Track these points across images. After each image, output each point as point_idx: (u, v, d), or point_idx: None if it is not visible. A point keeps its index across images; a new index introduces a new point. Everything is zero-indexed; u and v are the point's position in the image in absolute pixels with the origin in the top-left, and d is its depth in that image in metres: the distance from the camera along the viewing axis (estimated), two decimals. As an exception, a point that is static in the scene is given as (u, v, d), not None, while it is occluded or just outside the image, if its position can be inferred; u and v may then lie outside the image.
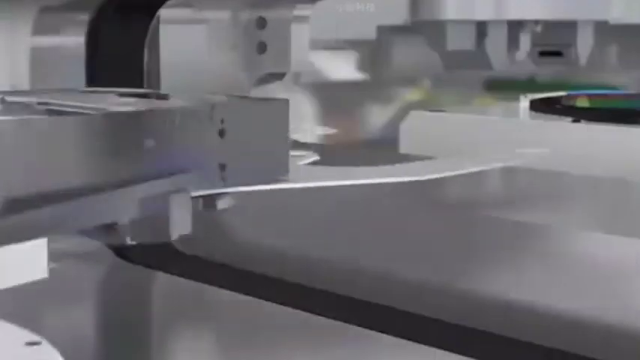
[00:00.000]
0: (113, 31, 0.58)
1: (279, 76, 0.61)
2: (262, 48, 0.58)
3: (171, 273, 0.56)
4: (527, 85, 1.06)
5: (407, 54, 1.00)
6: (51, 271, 0.54)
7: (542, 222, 0.53)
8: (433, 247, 0.54)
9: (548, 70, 1.05)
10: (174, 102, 0.40)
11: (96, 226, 0.34)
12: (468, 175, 0.49)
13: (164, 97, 0.41)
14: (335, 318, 0.47)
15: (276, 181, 0.41)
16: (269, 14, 0.57)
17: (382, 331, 0.45)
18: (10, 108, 0.38)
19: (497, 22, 0.99)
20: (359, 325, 0.46)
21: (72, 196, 0.31)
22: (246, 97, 0.44)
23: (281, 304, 0.49)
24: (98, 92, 0.43)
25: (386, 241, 0.55)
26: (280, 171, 0.41)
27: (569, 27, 1.00)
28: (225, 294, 0.51)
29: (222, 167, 0.38)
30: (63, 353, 0.31)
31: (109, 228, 0.34)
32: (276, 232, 0.60)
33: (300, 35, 0.60)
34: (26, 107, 0.38)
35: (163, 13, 0.58)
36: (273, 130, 0.40)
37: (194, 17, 0.60)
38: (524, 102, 0.91)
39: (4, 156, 0.29)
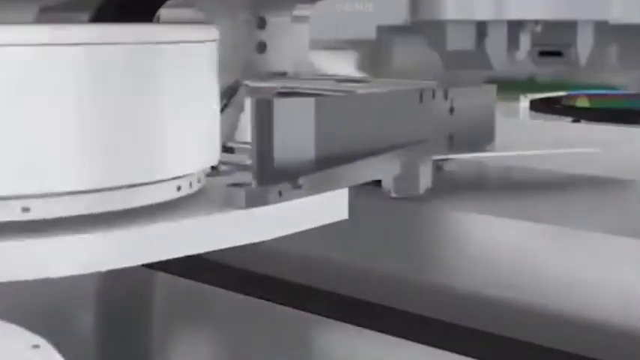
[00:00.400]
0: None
1: (279, 76, 0.61)
2: (262, 48, 0.58)
3: (171, 273, 0.56)
4: (527, 85, 1.06)
5: (407, 54, 1.01)
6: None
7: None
8: (433, 247, 0.54)
9: (548, 70, 1.05)
10: (407, 85, 0.49)
11: (368, 183, 0.42)
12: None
13: (367, 81, 0.51)
14: (335, 318, 0.47)
15: (488, 150, 0.51)
16: (269, 14, 0.57)
17: (382, 331, 0.45)
18: (260, 92, 0.47)
19: (497, 22, 0.99)
20: (359, 325, 0.46)
21: (356, 157, 0.40)
22: (465, 85, 0.56)
23: (281, 304, 0.49)
24: (320, 78, 0.53)
25: (386, 242, 0.55)
26: (488, 141, 0.51)
27: (569, 27, 1.00)
28: (225, 294, 0.51)
29: (450, 137, 0.48)
30: (63, 353, 0.31)
31: (377, 184, 0.44)
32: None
33: (300, 35, 0.61)
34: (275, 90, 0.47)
35: (163, 13, 0.58)
36: (484, 109, 0.51)
37: (194, 17, 0.60)
38: (524, 102, 0.91)
39: (316, 126, 0.38)
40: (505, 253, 0.50)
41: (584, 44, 1.01)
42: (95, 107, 0.32)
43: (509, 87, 1.04)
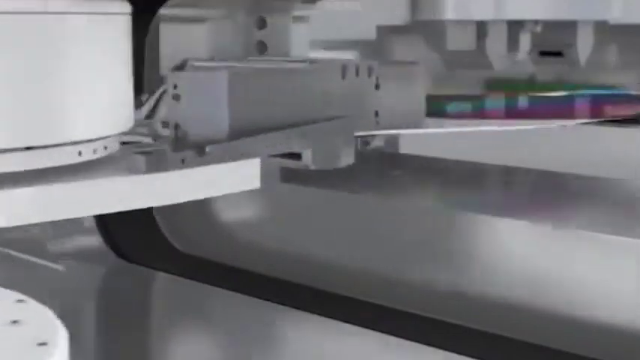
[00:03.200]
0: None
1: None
2: (262, 48, 0.58)
3: (172, 273, 0.56)
4: (528, 85, 1.06)
5: (407, 54, 1.01)
6: (51, 271, 0.54)
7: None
8: (432, 247, 0.54)
9: (548, 70, 1.05)
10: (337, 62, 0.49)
11: (288, 155, 0.42)
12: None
13: (315, 61, 0.49)
14: (335, 318, 0.47)
15: (415, 126, 0.50)
16: (269, 14, 0.57)
17: (382, 331, 0.45)
18: (207, 69, 0.47)
19: (497, 22, 0.99)
20: (359, 325, 0.46)
21: (272, 129, 0.41)
22: (392, 61, 0.56)
23: (281, 304, 0.49)
24: (266, 59, 0.53)
25: (385, 242, 0.55)
26: (418, 118, 0.50)
27: (569, 27, 1.00)
28: (225, 294, 0.51)
29: (376, 113, 0.47)
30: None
31: (296, 156, 0.43)
32: (275, 232, 0.60)
33: (300, 35, 0.61)
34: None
35: (164, 12, 0.58)
36: (412, 85, 0.49)
37: (194, 17, 0.60)
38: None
39: (230, 98, 0.39)
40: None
41: (584, 44, 1.02)
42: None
43: (510, 87, 1.04)
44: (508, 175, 0.70)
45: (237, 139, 0.40)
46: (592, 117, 0.79)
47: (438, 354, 0.43)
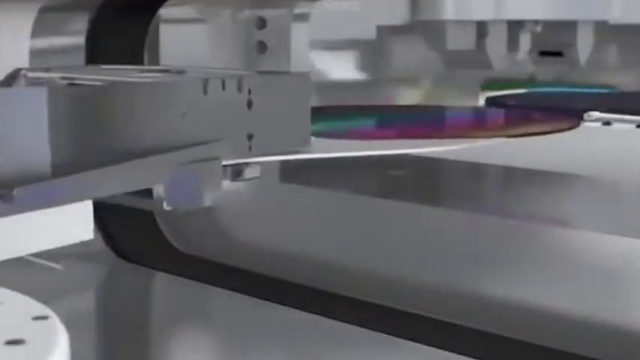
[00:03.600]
0: (113, 31, 0.58)
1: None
2: (262, 48, 0.58)
3: (172, 273, 0.56)
4: (528, 85, 1.06)
5: (407, 54, 1.00)
6: (51, 270, 0.54)
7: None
8: (432, 247, 0.54)
9: (548, 70, 1.05)
10: (201, 74, 0.41)
11: (133, 192, 0.34)
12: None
13: (182, 72, 0.41)
14: (335, 318, 0.47)
15: (299, 151, 0.43)
16: (269, 14, 0.57)
17: (382, 331, 0.45)
18: (34, 83, 0.39)
19: (497, 22, 0.99)
20: (359, 325, 0.46)
21: (111, 161, 0.32)
22: (270, 71, 0.45)
23: (281, 304, 0.49)
24: (119, 69, 0.44)
25: (385, 242, 0.55)
26: (302, 142, 0.42)
27: (569, 27, 1.00)
28: (225, 294, 0.51)
29: (250, 137, 0.39)
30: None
31: (146, 193, 0.35)
32: (275, 232, 0.60)
33: (300, 35, 0.61)
34: (50, 82, 0.39)
35: (163, 12, 0.58)
36: (295, 101, 0.41)
37: (194, 17, 0.60)
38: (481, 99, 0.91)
39: (51, 122, 0.30)
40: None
41: (584, 44, 1.02)
42: None
43: (510, 87, 1.04)
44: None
45: (65, 175, 0.31)
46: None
47: (438, 354, 0.43)
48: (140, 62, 0.58)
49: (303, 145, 0.42)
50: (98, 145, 0.32)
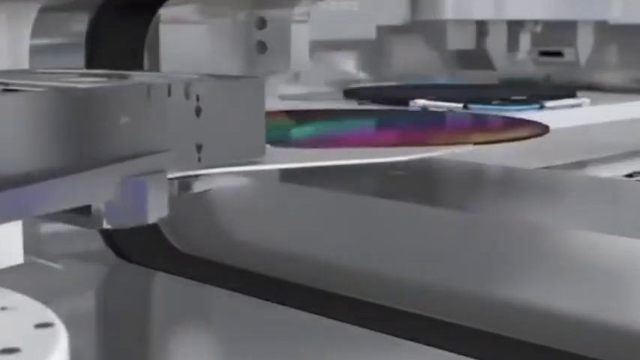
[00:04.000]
0: (113, 31, 0.58)
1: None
2: (262, 48, 0.58)
3: (171, 273, 0.56)
4: (527, 84, 1.06)
5: (407, 54, 1.01)
6: (51, 270, 0.54)
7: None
8: (432, 247, 0.54)
9: (548, 70, 1.06)
10: (145, 79, 0.38)
11: (71, 210, 0.31)
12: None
13: (126, 76, 0.38)
14: (335, 318, 0.47)
15: (253, 162, 0.40)
16: (269, 14, 0.57)
17: (382, 331, 0.45)
18: None
19: (497, 22, 0.99)
20: (359, 325, 0.46)
21: (43, 177, 0.29)
22: (221, 75, 0.41)
23: (281, 304, 0.49)
24: (57, 72, 0.41)
25: (385, 242, 0.55)
26: (257, 152, 0.39)
27: (569, 27, 1.00)
28: (225, 294, 0.51)
29: (199, 147, 0.37)
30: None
31: (85, 211, 0.32)
32: (275, 232, 0.60)
33: (300, 35, 0.61)
34: None
35: (163, 12, 0.58)
36: (248, 108, 0.39)
37: (194, 17, 0.60)
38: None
39: None
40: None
41: (584, 44, 1.02)
42: None
43: (509, 87, 1.04)
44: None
45: None
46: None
47: (438, 354, 0.43)
48: (140, 62, 0.58)
49: (258, 156, 0.39)
50: (29, 160, 0.29)
